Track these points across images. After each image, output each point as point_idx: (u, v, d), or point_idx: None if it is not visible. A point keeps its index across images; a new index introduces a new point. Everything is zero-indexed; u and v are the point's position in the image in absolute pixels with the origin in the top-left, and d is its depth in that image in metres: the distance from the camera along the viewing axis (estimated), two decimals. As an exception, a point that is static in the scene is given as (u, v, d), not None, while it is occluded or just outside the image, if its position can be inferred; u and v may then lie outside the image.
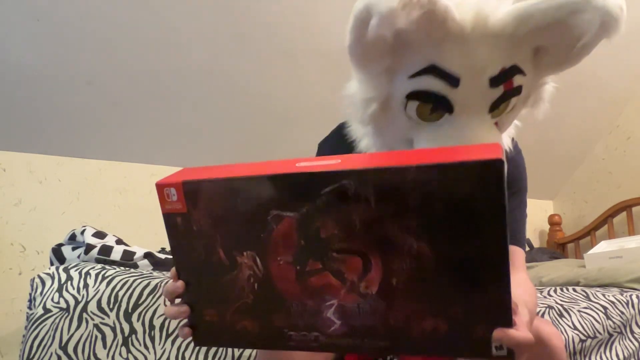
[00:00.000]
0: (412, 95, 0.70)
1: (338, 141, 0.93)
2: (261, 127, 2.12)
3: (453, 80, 0.67)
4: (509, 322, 0.50)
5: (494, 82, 0.67)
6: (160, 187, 0.56)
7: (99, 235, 1.29)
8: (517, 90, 0.70)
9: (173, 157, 2.14)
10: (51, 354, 0.92)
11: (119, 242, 1.31)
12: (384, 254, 0.51)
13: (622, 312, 1.25)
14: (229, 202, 0.55)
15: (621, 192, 2.49)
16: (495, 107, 0.70)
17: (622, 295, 1.31)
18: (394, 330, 0.53)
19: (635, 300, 1.30)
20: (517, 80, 0.69)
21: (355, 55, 0.70)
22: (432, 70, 0.68)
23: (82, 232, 1.28)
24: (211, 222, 0.56)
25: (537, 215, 2.82)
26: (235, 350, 0.96)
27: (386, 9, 0.60)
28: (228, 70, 1.91)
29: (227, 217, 0.55)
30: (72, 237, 1.32)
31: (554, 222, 2.76)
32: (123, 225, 2.00)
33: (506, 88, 0.68)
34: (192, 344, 0.95)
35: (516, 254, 0.87)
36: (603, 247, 1.90)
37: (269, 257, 0.55)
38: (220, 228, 0.56)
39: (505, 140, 0.86)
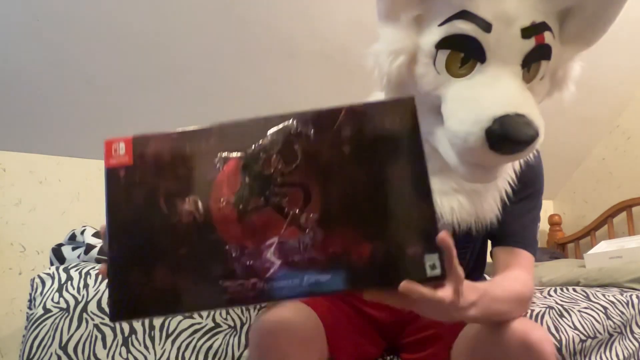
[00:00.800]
0: (442, 43, 0.69)
1: None
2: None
3: (485, 25, 0.67)
4: (432, 241, 0.55)
5: (526, 33, 0.67)
6: (109, 143, 0.58)
7: (99, 235, 1.29)
8: (548, 51, 0.70)
9: (173, 157, 2.13)
10: (51, 354, 0.92)
11: (119, 242, 1.31)
12: (323, 183, 0.56)
13: (622, 312, 1.25)
14: (177, 151, 0.57)
15: (621, 192, 2.49)
16: (528, 62, 0.69)
17: (622, 295, 1.31)
18: (333, 259, 0.55)
19: (635, 301, 1.30)
20: (548, 38, 0.69)
21: (383, 2, 0.71)
22: (464, 14, 0.67)
23: (82, 232, 1.28)
24: (156, 171, 0.57)
25: (537, 215, 2.82)
26: (235, 350, 0.96)
27: None
28: (228, 71, 1.91)
29: (173, 164, 0.57)
30: (72, 237, 1.32)
31: (554, 222, 2.75)
32: (123, 225, 2.00)
33: (538, 42, 0.68)
34: (192, 344, 0.96)
35: (522, 256, 0.86)
36: (603, 247, 1.90)
37: (212, 200, 0.56)
38: (164, 176, 0.57)
39: None
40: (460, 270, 0.57)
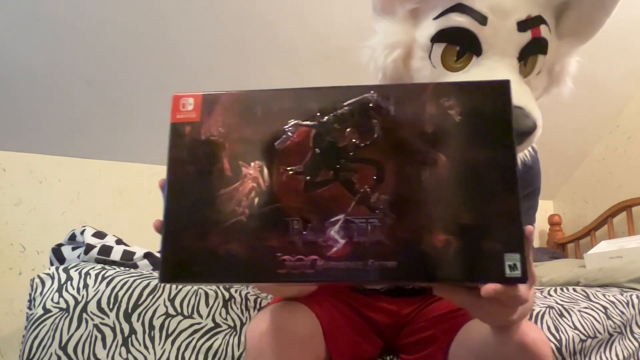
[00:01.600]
0: (438, 36, 0.69)
1: None
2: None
3: (481, 18, 0.66)
4: (520, 238, 0.49)
5: (522, 26, 0.67)
6: (177, 97, 0.56)
7: (99, 235, 1.29)
8: (544, 45, 0.70)
9: (173, 157, 2.13)
10: (51, 354, 0.92)
11: (119, 242, 1.31)
12: (400, 163, 0.52)
13: (622, 312, 1.25)
14: (247, 112, 0.54)
15: (621, 192, 2.49)
16: (524, 56, 0.69)
17: (622, 295, 1.31)
18: (402, 245, 0.50)
19: (636, 301, 1.30)
20: (544, 31, 0.69)
21: None
22: (460, 7, 0.67)
23: (82, 232, 1.28)
24: (223, 131, 0.54)
25: (537, 215, 2.81)
26: (235, 350, 0.96)
27: None
28: (228, 71, 1.91)
29: (241, 125, 0.54)
30: (72, 237, 1.32)
31: (554, 222, 2.75)
32: (123, 225, 2.00)
33: (534, 35, 0.68)
34: (191, 344, 0.96)
35: None
36: (603, 247, 1.90)
37: (279, 167, 0.53)
38: (231, 137, 0.54)
39: None
40: (535, 271, 0.54)
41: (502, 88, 0.53)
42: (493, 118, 0.52)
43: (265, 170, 0.53)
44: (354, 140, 0.52)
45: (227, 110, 0.54)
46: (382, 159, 0.52)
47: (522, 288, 0.51)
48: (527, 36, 0.68)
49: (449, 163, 0.51)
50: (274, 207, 0.52)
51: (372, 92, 0.52)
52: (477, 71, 0.69)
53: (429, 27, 0.70)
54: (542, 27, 0.69)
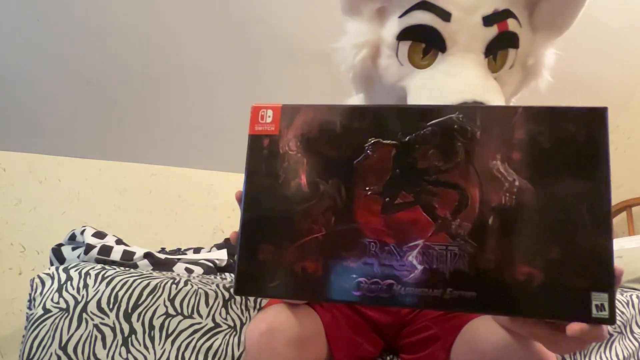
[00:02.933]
0: (403, 34, 0.69)
1: None
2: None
3: (444, 14, 0.67)
4: (610, 278, 0.46)
5: (488, 20, 0.67)
6: (257, 108, 0.54)
7: (99, 235, 1.29)
8: (513, 39, 0.70)
9: (173, 157, 2.14)
10: (51, 354, 0.92)
11: (119, 242, 1.31)
12: (484, 189, 0.49)
13: (622, 312, 1.25)
14: (326, 127, 0.53)
15: (621, 192, 2.49)
16: (491, 50, 0.69)
17: (622, 295, 1.31)
18: (483, 276, 0.48)
19: (635, 300, 1.30)
20: (512, 25, 0.69)
21: None
22: (423, 5, 0.68)
23: (82, 232, 1.28)
24: (302, 146, 0.53)
25: (537, 215, 2.81)
26: (235, 350, 0.96)
27: None
28: (228, 70, 1.91)
29: (320, 141, 0.53)
30: (72, 237, 1.32)
31: (554, 222, 2.76)
32: (123, 225, 2.00)
33: (500, 29, 0.68)
34: (191, 344, 0.96)
35: None
36: (603, 247, 1.90)
37: (357, 186, 0.52)
38: (310, 152, 0.53)
39: None
40: None
41: (599, 114, 0.50)
42: (587, 146, 0.49)
43: (343, 189, 0.52)
44: (436, 162, 0.50)
45: (306, 124, 0.53)
46: (465, 184, 0.50)
47: (605, 327, 0.48)
48: (493, 31, 0.68)
49: (536, 193, 0.49)
50: (351, 227, 0.51)
51: (457, 112, 0.50)
52: (442, 67, 0.69)
53: (395, 25, 0.71)
54: (510, 21, 0.69)
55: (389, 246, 0.50)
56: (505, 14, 0.68)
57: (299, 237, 0.52)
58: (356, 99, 0.88)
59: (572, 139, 0.49)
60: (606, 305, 0.46)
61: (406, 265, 0.50)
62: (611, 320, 0.46)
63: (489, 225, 0.49)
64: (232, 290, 0.51)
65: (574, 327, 0.45)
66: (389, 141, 0.51)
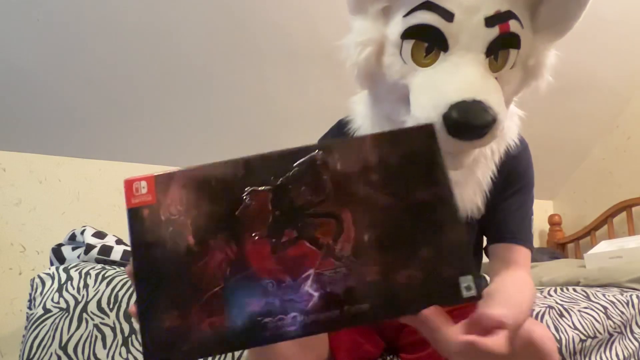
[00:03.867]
0: (407, 33, 0.71)
1: (337, 134, 0.94)
2: (261, 128, 2.12)
3: (447, 15, 0.68)
4: (469, 262, 0.55)
5: (489, 21, 0.69)
6: (130, 182, 0.55)
7: (99, 235, 1.29)
8: (515, 40, 0.71)
9: (173, 157, 2.13)
10: (51, 354, 0.92)
11: (119, 242, 1.31)
12: (354, 211, 0.55)
13: (622, 312, 1.25)
14: (203, 186, 0.55)
15: (621, 192, 2.49)
16: (492, 50, 0.71)
17: (622, 295, 1.31)
18: (371, 287, 0.54)
19: (635, 300, 1.30)
20: (514, 26, 0.70)
21: None
22: (427, 5, 0.70)
23: (82, 232, 1.28)
24: (182, 209, 0.55)
25: (537, 215, 2.80)
26: (236, 351, 0.96)
27: None
28: (228, 71, 1.91)
29: (200, 201, 0.55)
30: (72, 237, 1.32)
31: (554, 222, 2.75)
32: (123, 225, 1.99)
33: (502, 30, 0.69)
34: (192, 344, 0.96)
35: (518, 252, 0.87)
36: (603, 247, 1.90)
37: (244, 235, 0.55)
38: (191, 213, 0.55)
39: (513, 129, 0.87)
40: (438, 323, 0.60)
41: (427, 130, 0.58)
42: (425, 159, 0.57)
43: (232, 240, 0.54)
44: (309, 197, 0.55)
45: (182, 188, 0.55)
46: (338, 211, 0.55)
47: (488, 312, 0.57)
48: (494, 31, 0.69)
49: (398, 205, 0.56)
50: (247, 273, 0.54)
51: (317, 150, 0.56)
52: (444, 66, 0.71)
53: (399, 24, 0.72)
54: (512, 22, 0.70)
55: (285, 282, 0.54)
56: (507, 15, 0.70)
57: (199, 296, 0.53)
58: (359, 98, 0.90)
59: (413, 154, 0.57)
60: (472, 284, 0.54)
61: (304, 296, 0.53)
62: (478, 296, 0.54)
63: (366, 242, 0.55)
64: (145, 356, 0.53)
65: (426, 311, 0.56)
66: (263, 187, 0.55)
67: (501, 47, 0.71)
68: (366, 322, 0.57)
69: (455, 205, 0.56)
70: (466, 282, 0.54)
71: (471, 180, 0.83)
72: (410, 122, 0.75)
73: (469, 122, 0.66)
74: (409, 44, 0.72)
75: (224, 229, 0.55)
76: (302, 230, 0.55)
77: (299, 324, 0.53)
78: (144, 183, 0.55)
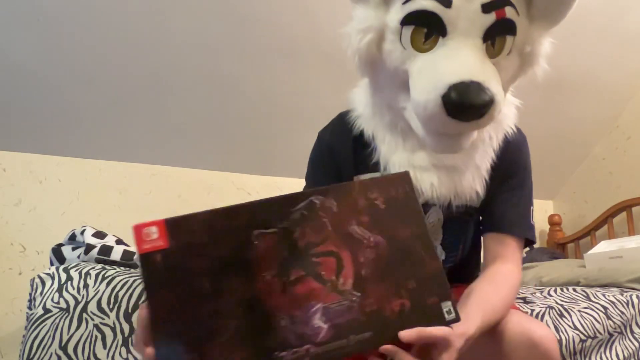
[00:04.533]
0: (406, 19, 0.74)
1: (337, 126, 0.95)
2: (261, 127, 2.12)
3: (445, 1, 0.71)
4: (448, 289, 0.64)
5: (486, 7, 0.71)
6: (139, 228, 0.56)
7: (99, 235, 1.29)
8: (511, 26, 0.74)
9: (173, 157, 2.13)
10: (51, 354, 0.92)
11: (119, 242, 1.32)
12: (351, 250, 0.62)
13: (622, 312, 1.25)
14: (213, 230, 0.59)
15: (621, 192, 2.49)
16: (490, 36, 0.73)
17: (622, 295, 1.31)
18: (371, 317, 0.60)
19: (635, 300, 1.30)
20: (510, 12, 0.72)
21: None
22: None
23: (82, 232, 1.28)
24: (194, 252, 0.57)
25: (537, 215, 2.81)
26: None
27: None
28: (228, 70, 1.91)
29: (210, 244, 0.58)
30: (72, 237, 1.32)
31: (554, 222, 2.75)
32: (123, 225, 2.00)
33: (498, 16, 0.72)
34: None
35: (506, 244, 0.88)
36: (603, 247, 1.90)
37: (255, 276, 0.58)
38: (204, 257, 0.57)
39: (510, 117, 0.88)
40: (438, 332, 0.62)
41: (403, 177, 0.67)
42: (404, 201, 0.66)
43: (245, 280, 0.58)
44: (312, 238, 0.61)
45: (193, 234, 0.58)
46: (338, 249, 0.62)
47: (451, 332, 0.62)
48: (491, 17, 0.71)
49: (387, 243, 0.64)
50: (262, 311, 0.58)
51: (315, 194, 0.63)
52: (442, 51, 0.73)
53: (398, 11, 0.75)
54: (508, 9, 0.72)
55: (297, 317, 0.59)
56: (503, 1, 0.72)
57: (215, 336, 0.56)
58: (359, 89, 0.93)
59: (395, 198, 0.66)
60: (452, 309, 0.62)
61: (315, 328, 0.59)
62: (457, 318, 0.62)
63: (364, 276, 0.62)
64: None
65: (411, 332, 0.60)
66: (270, 230, 0.60)
67: (498, 33, 0.73)
68: (370, 349, 0.61)
69: (430, 241, 0.65)
70: (447, 307, 0.63)
71: (470, 165, 0.85)
72: (410, 107, 0.77)
73: (468, 101, 0.68)
74: (408, 30, 0.74)
75: (236, 270, 0.58)
76: (307, 268, 0.60)
77: (312, 355, 0.57)
78: (154, 228, 0.57)
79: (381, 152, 0.87)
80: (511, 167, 0.90)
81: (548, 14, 0.77)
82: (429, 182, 0.83)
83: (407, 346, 0.62)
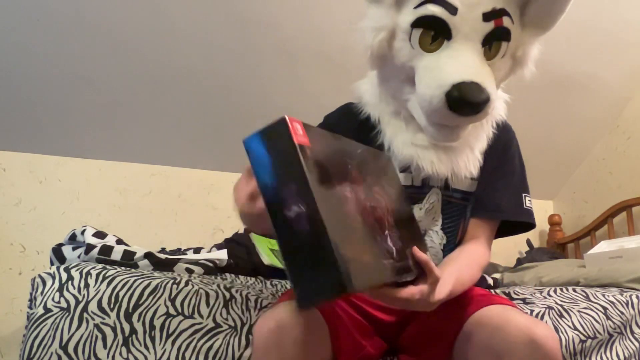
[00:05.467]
0: (417, 22, 0.83)
1: (343, 113, 1.04)
2: (261, 127, 2.12)
3: (452, 9, 0.80)
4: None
5: (487, 16, 0.81)
6: (291, 120, 0.58)
7: (100, 235, 1.29)
8: (507, 33, 0.84)
9: (173, 157, 2.14)
10: (51, 353, 0.92)
11: (120, 242, 1.32)
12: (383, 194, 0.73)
13: (622, 313, 1.25)
14: (328, 147, 0.64)
15: (621, 192, 2.49)
16: (488, 41, 0.83)
17: (622, 295, 1.31)
18: (404, 251, 0.68)
19: (635, 301, 1.30)
20: (506, 22, 0.83)
21: None
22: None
23: (83, 232, 1.28)
24: (325, 156, 0.61)
25: (537, 215, 2.79)
26: (236, 350, 0.96)
27: None
28: (228, 71, 1.91)
29: (329, 156, 0.62)
30: (73, 237, 1.32)
31: (554, 222, 2.75)
32: (123, 225, 2.00)
33: (496, 24, 0.82)
34: (192, 344, 0.95)
35: (479, 227, 0.99)
36: (603, 247, 1.90)
37: (357, 193, 0.64)
38: (330, 163, 0.61)
39: (500, 109, 0.99)
40: (438, 272, 0.71)
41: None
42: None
43: (353, 197, 0.62)
44: (369, 179, 0.71)
45: (318, 142, 0.61)
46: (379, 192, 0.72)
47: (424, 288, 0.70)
48: (490, 25, 0.82)
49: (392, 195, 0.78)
50: (368, 224, 0.63)
51: (360, 149, 0.74)
52: (447, 53, 0.82)
53: (410, 14, 0.84)
54: (505, 18, 0.82)
55: (381, 236, 0.65)
56: (501, 12, 0.82)
57: (353, 233, 0.58)
58: (366, 80, 1.01)
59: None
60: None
61: (390, 248, 0.66)
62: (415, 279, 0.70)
63: (393, 217, 0.73)
64: (347, 286, 0.52)
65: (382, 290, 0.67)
66: (354, 160, 0.69)
67: (495, 39, 0.83)
68: (410, 277, 0.68)
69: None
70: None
71: (465, 147, 0.94)
72: (413, 99, 0.87)
73: (468, 99, 0.78)
74: (417, 32, 0.83)
75: (347, 184, 0.63)
76: (375, 200, 0.67)
77: (395, 269, 0.64)
78: (298, 125, 0.59)
79: (386, 134, 0.95)
80: (501, 156, 1.00)
81: (538, 22, 0.87)
82: (429, 160, 0.91)
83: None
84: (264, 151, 0.56)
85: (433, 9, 0.81)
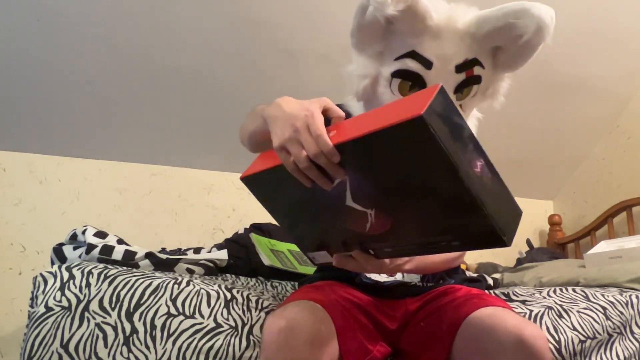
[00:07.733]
0: (396, 74, 0.91)
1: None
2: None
3: (427, 64, 0.87)
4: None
5: (459, 68, 0.88)
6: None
7: (100, 235, 1.29)
8: (477, 79, 0.90)
9: (173, 157, 2.14)
10: (52, 352, 0.92)
11: (120, 242, 1.32)
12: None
13: (622, 313, 1.25)
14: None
15: (621, 192, 2.50)
16: (459, 89, 0.90)
17: (621, 295, 1.31)
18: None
19: (635, 301, 1.30)
20: (477, 70, 0.89)
21: (355, 38, 0.92)
22: (413, 54, 0.88)
23: (84, 232, 1.28)
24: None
25: (537, 215, 2.82)
26: (236, 350, 0.96)
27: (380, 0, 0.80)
28: (228, 71, 1.91)
29: None
30: (73, 237, 1.32)
31: (554, 222, 2.76)
32: (123, 225, 2.00)
33: (467, 75, 0.89)
34: (193, 344, 0.96)
35: None
36: (603, 247, 1.90)
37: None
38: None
39: (473, 125, 1.03)
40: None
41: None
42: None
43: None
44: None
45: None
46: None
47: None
48: (462, 76, 0.88)
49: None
50: None
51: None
52: None
53: (390, 65, 0.91)
54: (476, 68, 0.88)
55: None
56: (473, 62, 0.88)
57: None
58: (354, 101, 1.05)
59: None
60: None
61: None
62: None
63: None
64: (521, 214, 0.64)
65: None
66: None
67: (466, 86, 0.90)
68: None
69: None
70: None
71: None
72: None
73: None
74: (397, 81, 0.91)
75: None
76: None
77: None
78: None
79: None
80: None
81: (509, 65, 0.92)
82: None
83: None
84: (440, 122, 0.56)
85: (410, 64, 0.88)
